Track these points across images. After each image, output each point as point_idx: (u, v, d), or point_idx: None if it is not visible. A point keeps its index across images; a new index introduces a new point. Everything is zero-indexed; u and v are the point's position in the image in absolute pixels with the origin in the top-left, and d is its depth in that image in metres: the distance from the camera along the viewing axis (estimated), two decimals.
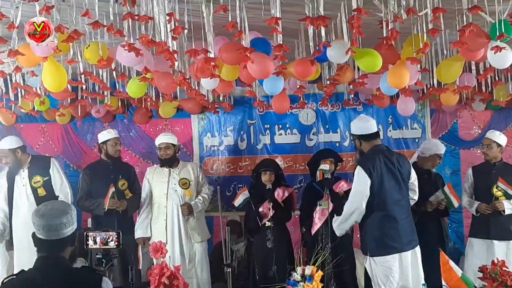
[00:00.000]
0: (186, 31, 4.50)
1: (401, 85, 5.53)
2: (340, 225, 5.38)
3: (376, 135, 5.34)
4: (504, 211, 6.14)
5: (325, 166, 6.12)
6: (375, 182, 5.11)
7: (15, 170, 6.68)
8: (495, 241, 6.15)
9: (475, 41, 4.63)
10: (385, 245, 5.13)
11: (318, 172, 6.17)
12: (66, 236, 2.93)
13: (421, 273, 5.20)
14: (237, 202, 6.52)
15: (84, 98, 6.84)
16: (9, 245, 6.75)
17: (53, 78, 5.11)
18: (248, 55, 4.64)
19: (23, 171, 6.69)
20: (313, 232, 6.19)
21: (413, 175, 5.39)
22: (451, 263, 4.96)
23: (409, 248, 5.16)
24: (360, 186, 5.16)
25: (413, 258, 5.19)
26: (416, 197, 5.48)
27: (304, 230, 6.44)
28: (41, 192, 6.61)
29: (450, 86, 6.17)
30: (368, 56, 5.08)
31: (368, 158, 5.24)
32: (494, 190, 6.27)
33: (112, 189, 6.38)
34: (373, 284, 5.29)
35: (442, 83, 6.05)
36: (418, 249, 5.24)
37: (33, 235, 2.96)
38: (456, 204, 6.24)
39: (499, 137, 6.39)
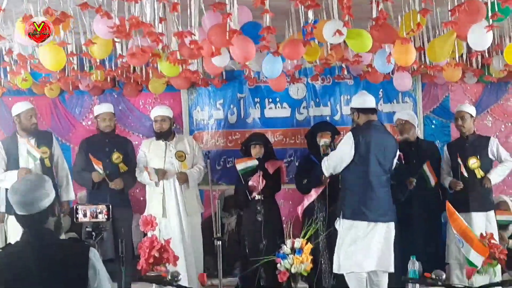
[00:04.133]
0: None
1: (408, 62, 5.50)
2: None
3: (373, 110, 5.60)
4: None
5: (325, 141, 6.10)
6: (361, 152, 5.37)
7: (21, 134, 6.51)
8: (473, 213, 6.20)
9: (468, 20, 4.60)
10: (359, 211, 5.40)
11: (321, 148, 6.14)
12: (44, 209, 2.88)
13: (390, 248, 5.46)
14: (241, 166, 6.48)
15: (72, 75, 6.77)
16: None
17: (51, 57, 5.11)
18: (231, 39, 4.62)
19: (32, 138, 6.54)
20: (309, 202, 6.23)
21: (395, 159, 5.63)
22: (457, 214, 5.12)
23: (383, 220, 5.43)
24: (342, 150, 5.50)
25: (386, 232, 5.44)
26: None
27: (305, 181, 6.41)
28: (47, 163, 6.50)
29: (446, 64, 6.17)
30: (358, 37, 5.11)
31: (360, 129, 5.53)
32: (470, 163, 6.35)
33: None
34: (336, 246, 5.50)
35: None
36: (392, 225, 5.48)
37: (14, 212, 2.92)
38: (432, 183, 6.42)
39: (470, 108, 6.57)
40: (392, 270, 5.45)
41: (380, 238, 5.41)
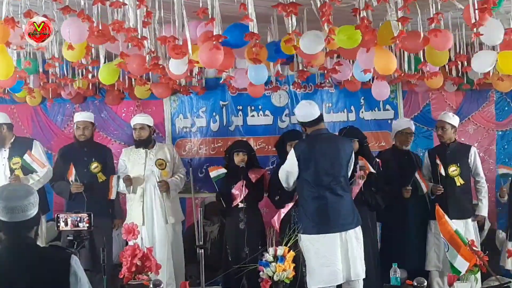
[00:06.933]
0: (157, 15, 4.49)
1: (389, 71, 5.54)
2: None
3: (318, 120, 5.45)
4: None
5: None
6: (305, 165, 5.30)
7: None
8: (453, 221, 6.24)
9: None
10: (315, 224, 5.26)
11: None
12: (31, 218, 2.87)
13: (356, 256, 5.26)
14: (213, 173, 6.45)
15: (54, 81, 6.73)
16: None
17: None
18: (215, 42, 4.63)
19: (5, 150, 6.54)
20: (284, 213, 6.20)
21: (352, 163, 5.50)
22: (446, 217, 5.16)
23: (341, 230, 5.25)
24: (287, 165, 5.46)
25: (348, 240, 5.25)
26: None
27: (277, 197, 6.36)
28: (18, 173, 6.42)
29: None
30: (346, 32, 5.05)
31: (302, 143, 5.53)
32: (450, 170, 6.40)
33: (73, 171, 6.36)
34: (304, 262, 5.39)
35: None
36: (351, 232, 5.28)
37: None
38: (425, 189, 6.41)
39: (452, 119, 6.61)
40: (361, 277, 5.27)
41: (340, 248, 5.21)
